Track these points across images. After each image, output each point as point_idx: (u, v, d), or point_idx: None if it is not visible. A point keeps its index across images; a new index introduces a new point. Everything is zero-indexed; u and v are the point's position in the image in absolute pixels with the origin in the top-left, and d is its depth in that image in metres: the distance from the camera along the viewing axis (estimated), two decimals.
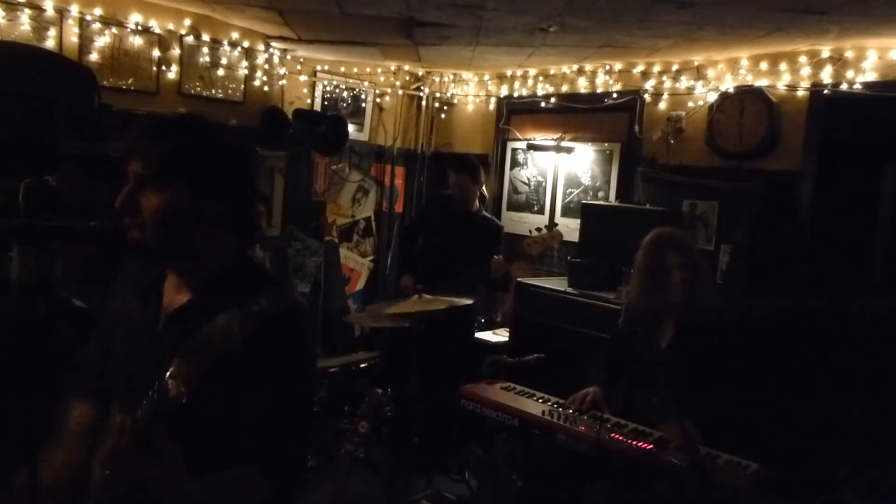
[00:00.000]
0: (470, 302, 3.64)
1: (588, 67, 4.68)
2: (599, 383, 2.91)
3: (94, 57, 3.76)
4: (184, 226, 1.40)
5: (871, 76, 3.50)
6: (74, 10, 3.65)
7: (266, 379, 1.35)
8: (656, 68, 4.35)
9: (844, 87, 3.58)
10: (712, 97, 4.10)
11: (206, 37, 4.20)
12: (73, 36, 3.68)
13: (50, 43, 3.60)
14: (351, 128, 5.10)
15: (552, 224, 4.34)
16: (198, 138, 1.44)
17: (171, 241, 1.41)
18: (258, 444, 1.35)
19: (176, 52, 4.10)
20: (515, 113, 5.28)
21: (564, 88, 4.86)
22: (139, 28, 3.91)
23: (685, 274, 2.72)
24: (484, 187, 5.28)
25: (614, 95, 4.56)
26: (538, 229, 4.06)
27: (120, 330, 1.58)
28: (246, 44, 4.41)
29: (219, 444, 1.35)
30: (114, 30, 3.83)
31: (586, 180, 4.82)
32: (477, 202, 4.49)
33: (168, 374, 1.17)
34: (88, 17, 3.72)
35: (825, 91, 3.66)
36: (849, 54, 3.56)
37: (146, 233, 1.39)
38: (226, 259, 1.48)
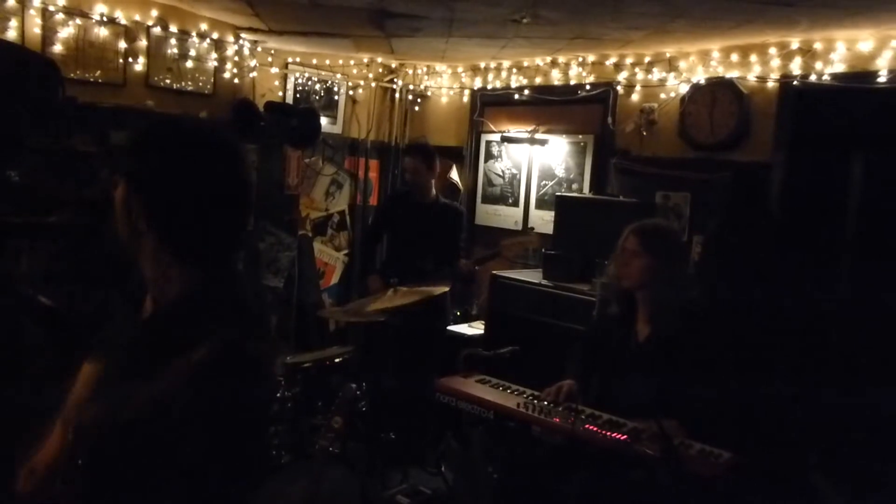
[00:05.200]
0: (445, 290, 3.63)
1: (561, 59, 4.68)
2: (574, 376, 2.91)
3: (57, 48, 3.68)
4: (121, 228, 1.28)
5: (840, 67, 3.54)
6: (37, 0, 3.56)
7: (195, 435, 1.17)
8: (629, 60, 4.36)
9: (814, 78, 3.62)
10: (684, 89, 4.13)
11: (173, 28, 4.13)
12: (35, 27, 3.60)
13: (11, 34, 3.51)
14: (324, 120, 5.05)
15: (528, 227, 4.35)
16: (155, 136, 1.30)
17: (122, 243, 1.31)
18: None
19: (143, 43, 4.03)
20: (489, 105, 5.26)
21: (538, 80, 4.86)
22: (104, 19, 3.83)
23: (632, 260, 2.74)
24: (458, 179, 5.28)
25: (587, 87, 4.57)
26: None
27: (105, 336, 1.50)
28: (215, 35, 4.34)
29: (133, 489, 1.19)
30: (78, 20, 3.75)
31: (560, 172, 4.83)
32: (434, 191, 4.46)
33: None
34: (51, 8, 3.63)
35: (795, 83, 3.70)
36: (818, 46, 3.60)
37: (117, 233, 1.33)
38: (186, 285, 1.28)
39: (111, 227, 1.33)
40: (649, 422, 2.49)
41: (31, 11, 3.57)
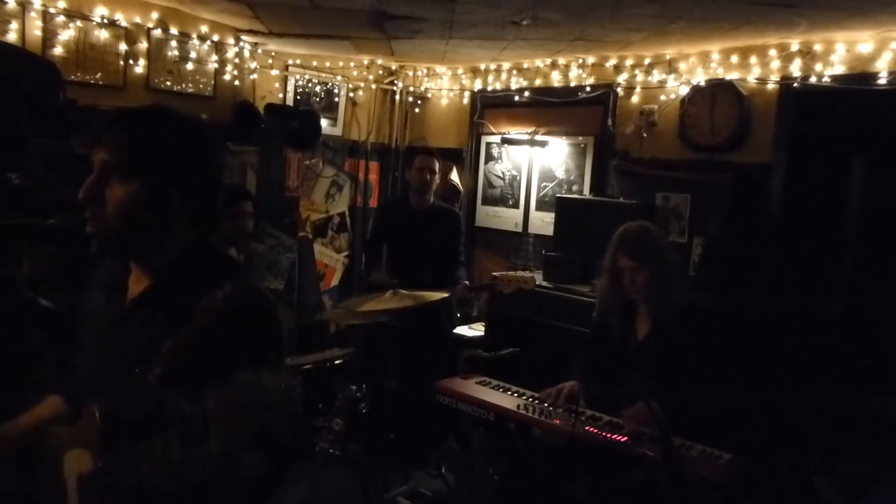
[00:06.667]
0: (446, 295, 3.62)
1: (561, 61, 4.68)
2: (577, 377, 2.92)
3: (58, 51, 3.68)
4: (147, 217, 1.39)
5: (840, 69, 3.54)
6: (37, 2, 3.57)
7: (233, 364, 1.32)
8: (629, 62, 4.37)
9: (813, 80, 3.62)
10: (684, 90, 4.13)
11: (174, 30, 4.13)
12: (36, 29, 3.60)
13: (12, 36, 3.51)
14: (324, 122, 5.06)
15: (528, 267, 4.38)
16: (165, 127, 1.43)
17: (133, 232, 1.40)
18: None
19: (143, 45, 4.03)
20: (489, 107, 5.26)
21: (538, 82, 4.86)
22: (105, 21, 3.83)
23: (634, 276, 2.76)
24: (458, 181, 5.28)
25: (587, 89, 4.57)
26: (513, 270, 4.12)
27: (88, 329, 1.57)
28: (215, 37, 4.34)
29: None
30: (79, 23, 3.75)
31: (560, 174, 4.83)
32: (431, 195, 4.47)
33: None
34: (52, 10, 3.64)
35: (795, 84, 3.70)
36: (817, 47, 3.60)
37: (107, 223, 1.38)
38: (185, 247, 1.46)
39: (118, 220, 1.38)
40: (640, 405, 2.51)
41: (32, 14, 3.57)
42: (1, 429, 1.54)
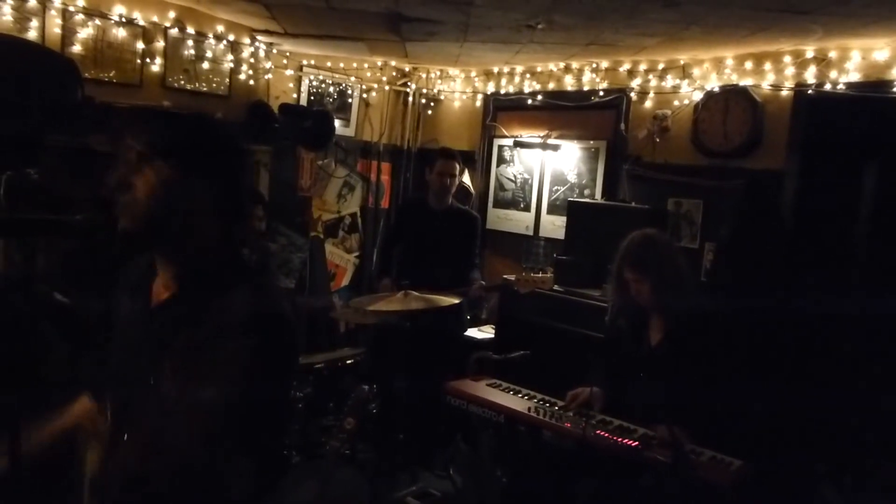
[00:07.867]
0: (457, 301, 3.62)
1: (575, 65, 4.69)
2: (595, 382, 2.92)
3: (76, 48, 3.72)
4: (174, 208, 1.40)
5: (855, 76, 3.53)
6: (57, 0, 3.60)
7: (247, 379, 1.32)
8: (642, 67, 4.37)
9: (828, 87, 3.61)
10: (697, 96, 4.13)
11: (190, 29, 4.16)
12: (55, 27, 3.64)
13: (32, 34, 3.56)
14: (337, 123, 5.08)
15: (544, 269, 4.39)
16: (199, 127, 1.49)
17: (160, 223, 1.40)
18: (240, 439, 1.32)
19: (160, 44, 4.07)
20: (502, 110, 5.27)
21: (551, 86, 4.87)
22: (123, 20, 3.87)
23: (639, 287, 2.79)
24: (470, 183, 5.29)
25: (601, 93, 4.58)
26: (531, 269, 4.11)
27: (116, 327, 1.58)
28: (231, 37, 4.37)
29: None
30: (97, 21, 3.79)
31: (572, 178, 4.83)
32: (451, 197, 4.48)
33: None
34: (72, 9, 3.68)
35: (809, 91, 3.69)
36: (832, 55, 3.60)
37: (136, 212, 1.39)
38: (210, 252, 1.46)
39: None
40: (661, 428, 2.50)
41: (52, 12, 3.61)
42: (35, 430, 1.56)
